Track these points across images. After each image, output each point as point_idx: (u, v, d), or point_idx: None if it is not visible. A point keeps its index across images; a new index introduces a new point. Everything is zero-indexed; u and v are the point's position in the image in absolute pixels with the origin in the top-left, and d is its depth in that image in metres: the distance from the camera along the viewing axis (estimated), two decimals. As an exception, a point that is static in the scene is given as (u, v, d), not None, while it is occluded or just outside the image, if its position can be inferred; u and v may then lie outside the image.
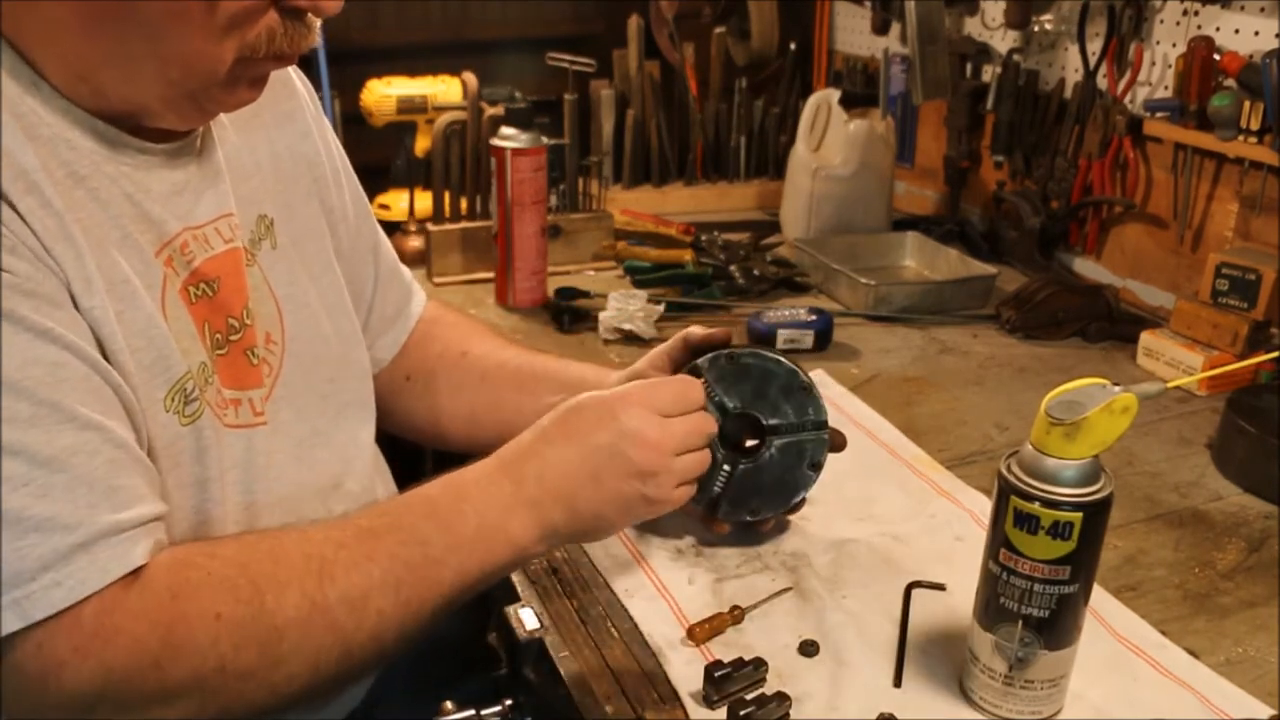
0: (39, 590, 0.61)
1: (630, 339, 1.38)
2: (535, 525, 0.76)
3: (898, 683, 0.78)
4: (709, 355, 0.88)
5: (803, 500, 0.93)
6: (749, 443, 0.90)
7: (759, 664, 0.76)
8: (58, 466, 0.62)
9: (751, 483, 0.89)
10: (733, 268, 1.55)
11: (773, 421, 0.89)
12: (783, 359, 0.89)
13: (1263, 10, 1.33)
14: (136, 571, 0.65)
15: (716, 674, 0.74)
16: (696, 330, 0.92)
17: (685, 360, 0.92)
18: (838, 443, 0.93)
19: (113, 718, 0.64)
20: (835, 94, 1.77)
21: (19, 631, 0.61)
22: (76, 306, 0.66)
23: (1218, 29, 1.38)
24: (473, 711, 0.79)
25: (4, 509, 0.60)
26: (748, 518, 0.91)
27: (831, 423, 0.91)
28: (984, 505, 0.99)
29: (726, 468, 0.88)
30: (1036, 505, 0.68)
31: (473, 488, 0.77)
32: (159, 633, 0.64)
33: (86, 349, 0.65)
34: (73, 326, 0.65)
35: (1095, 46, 1.55)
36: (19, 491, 0.61)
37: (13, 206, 0.63)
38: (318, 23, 0.72)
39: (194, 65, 0.67)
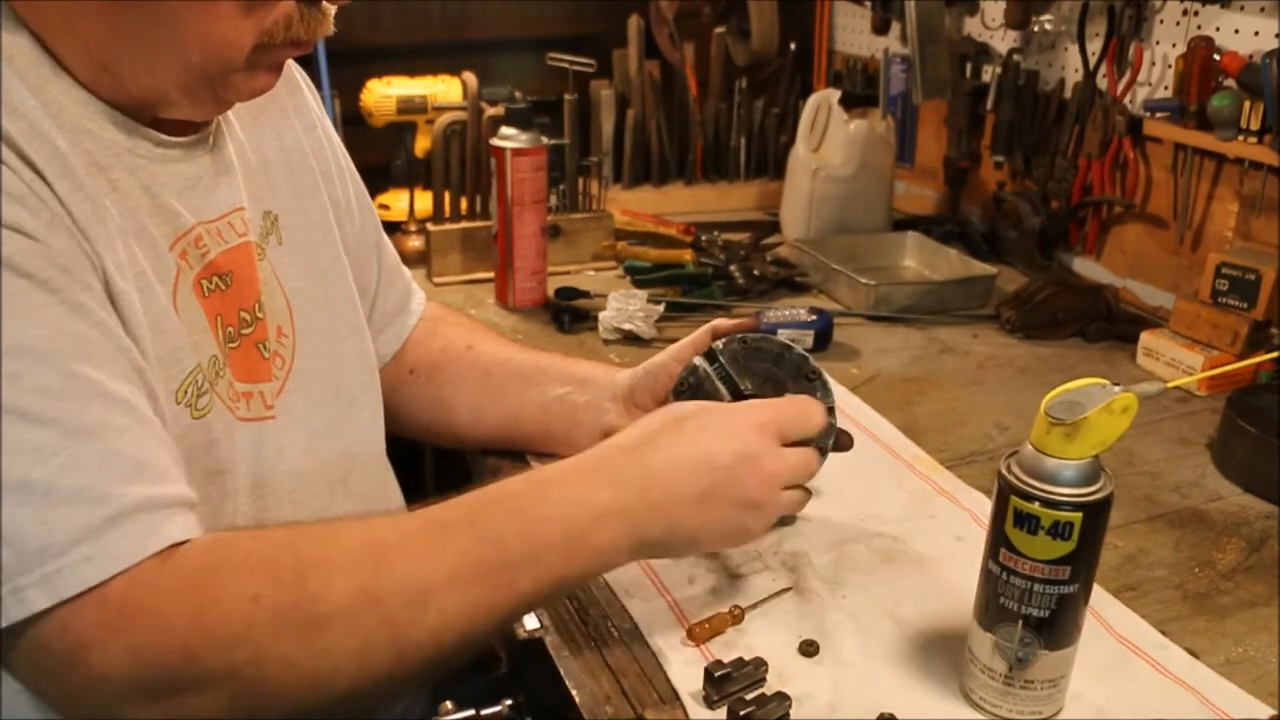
0: (69, 565, 0.58)
1: (630, 339, 1.38)
2: (626, 538, 0.72)
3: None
4: (723, 339, 0.89)
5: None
6: None
7: (759, 664, 0.76)
8: (88, 438, 0.60)
9: None
10: (733, 268, 1.55)
11: None
12: (793, 345, 0.89)
13: (1263, 10, 1.33)
14: (172, 548, 0.61)
15: (716, 674, 0.74)
16: (723, 322, 0.92)
17: None
18: (844, 443, 0.93)
19: (148, 709, 0.61)
20: (835, 94, 1.77)
21: (46, 610, 0.57)
22: (109, 290, 0.65)
23: (1218, 29, 1.38)
24: (473, 711, 0.79)
25: (34, 480, 0.58)
26: None
27: None
28: (984, 505, 0.99)
29: None
30: (1036, 505, 0.68)
31: (560, 490, 0.73)
32: (187, 613, 0.60)
33: (115, 330, 0.65)
34: (103, 308, 0.64)
35: (1095, 46, 1.55)
36: (49, 462, 0.58)
37: (50, 187, 0.63)
38: (333, 10, 0.72)
39: (214, 49, 0.67)
